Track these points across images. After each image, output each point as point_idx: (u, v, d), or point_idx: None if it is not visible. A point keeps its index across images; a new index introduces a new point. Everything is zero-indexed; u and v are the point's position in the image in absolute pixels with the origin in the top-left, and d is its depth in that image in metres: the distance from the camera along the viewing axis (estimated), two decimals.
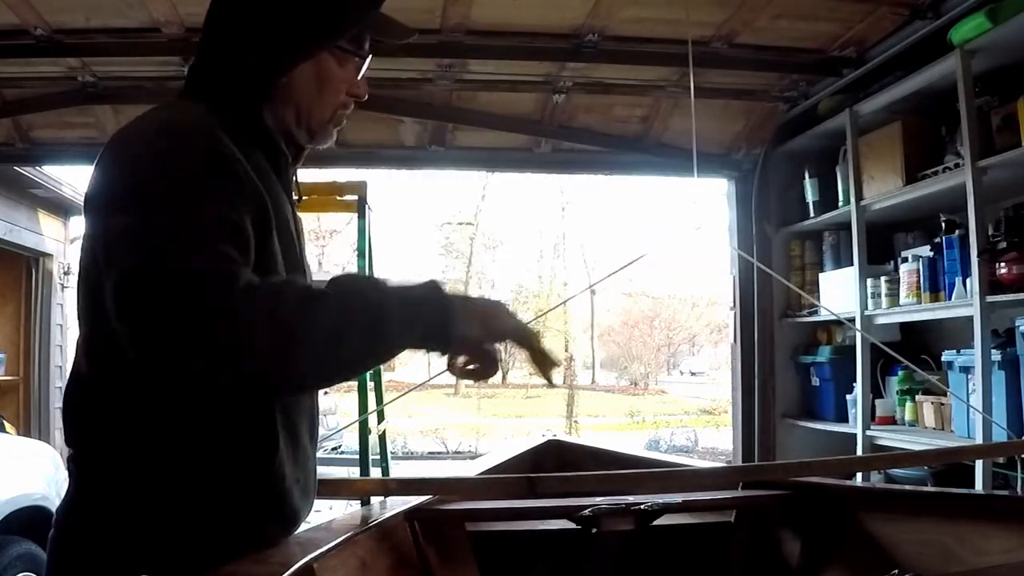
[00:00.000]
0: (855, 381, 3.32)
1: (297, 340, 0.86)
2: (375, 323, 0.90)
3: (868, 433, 3.24)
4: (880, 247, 3.42)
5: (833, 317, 3.33)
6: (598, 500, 1.69)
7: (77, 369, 1.04)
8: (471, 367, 1.00)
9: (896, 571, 1.55)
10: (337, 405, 11.06)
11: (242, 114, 1.09)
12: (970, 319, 2.65)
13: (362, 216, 4.07)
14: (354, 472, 3.85)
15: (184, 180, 0.93)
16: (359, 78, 1.18)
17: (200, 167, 0.95)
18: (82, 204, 1.02)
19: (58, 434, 5.26)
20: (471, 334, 0.96)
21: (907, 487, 2.48)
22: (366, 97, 1.19)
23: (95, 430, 1.02)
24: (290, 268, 1.06)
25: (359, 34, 1.16)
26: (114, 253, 0.91)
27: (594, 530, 1.67)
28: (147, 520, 0.98)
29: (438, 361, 1.01)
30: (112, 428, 1.00)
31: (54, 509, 1.09)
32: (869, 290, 3.26)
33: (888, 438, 3.17)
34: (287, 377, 0.89)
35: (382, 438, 4.28)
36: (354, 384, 4.01)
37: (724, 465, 4.26)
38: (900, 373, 3.31)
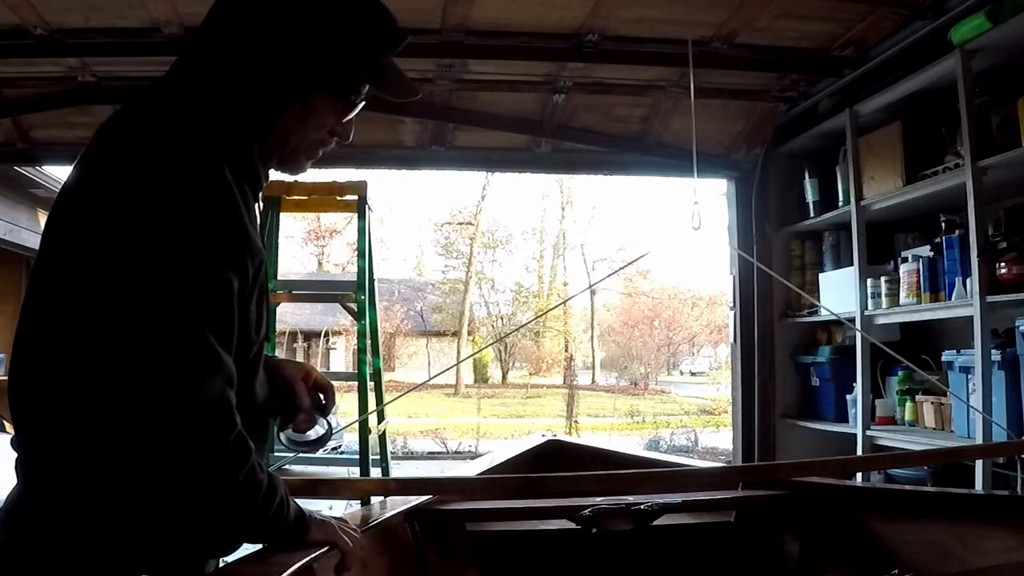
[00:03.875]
0: (855, 381, 3.32)
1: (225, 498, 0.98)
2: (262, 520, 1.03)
3: (868, 433, 3.24)
4: (880, 247, 3.42)
5: (833, 317, 3.33)
6: (598, 500, 1.69)
7: (35, 364, 0.99)
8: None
9: (896, 571, 1.55)
10: (337, 405, 11.00)
11: (246, 151, 1.08)
12: (970, 319, 2.65)
13: (362, 216, 4.08)
14: (354, 472, 3.85)
15: (218, 256, 0.98)
16: (347, 120, 1.16)
17: (232, 239, 0.99)
18: (85, 192, 1.00)
19: None
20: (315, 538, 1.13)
21: (907, 487, 2.48)
22: (349, 139, 1.18)
23: (56, 430, 0.98)
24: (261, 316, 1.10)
25: (356, 80, 1.14)
26: (136, 315, 0.93)
27: (594, 530, 1.67)
28: (101, 525, 0.96)
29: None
30: (74, 430, 0.96)
31: None
32: (869, 290, 3.26)
33: (888, 438, 3.17)
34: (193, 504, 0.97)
35: (382, 438, 4.29)
36: (354, 384, 4.01)
37: (724, 465, 4.27)
38: (900, 373, 3.31)
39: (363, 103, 1.16)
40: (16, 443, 1.02)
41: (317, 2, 1.09)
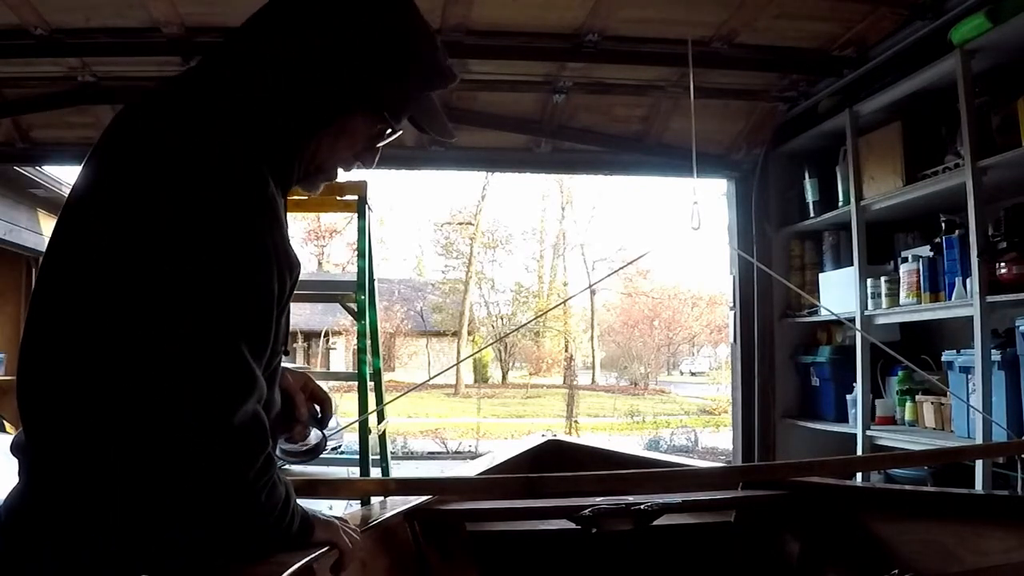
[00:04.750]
0: (855, 381, 3.32)
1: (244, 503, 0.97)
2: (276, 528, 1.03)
3: (868, 433, 3.24)
4: (880, 247, 3.42)
5: (833, 317, 3.33)
6: (598, 500, 1.69)
7: (51, 368, 0.96)
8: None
9: (896, 571, 1.55)
10: (337, 405, 11.04)
11: (286, 160, 1.07)
12: (970, 319, 2.65)
13: (362, 216, 4.08)
14: (354, 472, 3.85)
15: (262, 266, 0.96)
16: (377, 146, 1.15)
17: (276, 250, 0.97)
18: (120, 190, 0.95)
19: None
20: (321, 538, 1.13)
21: (907, 487, 2.48)
22: (372, 167, 1.18)
23: (73, 435, 0.95)
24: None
25: (402, 109, 1.13)
26: (172, 324, 0.90)
27: (594, 530, 1.67)
28: (108, 527, 0.95)
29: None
30: (93, 435, 0.94)
31: None
32: (869, 290, 3.26)
33: (888, 438, 3.17)
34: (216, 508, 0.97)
35: (382, 438, 4.29)
36: (354, 384, 4.01)
37: (724, 465, 4.26)
38: (900, 373, 3.31)
39: (398, 134, 1.15)
40: (26, 445, 1.00)
41: (388, 23, 1.08)
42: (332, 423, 1.30)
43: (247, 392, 0.94)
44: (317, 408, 1.28)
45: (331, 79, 1.05)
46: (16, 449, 1.01)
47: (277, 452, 1.26)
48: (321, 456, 1.30)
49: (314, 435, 1.28)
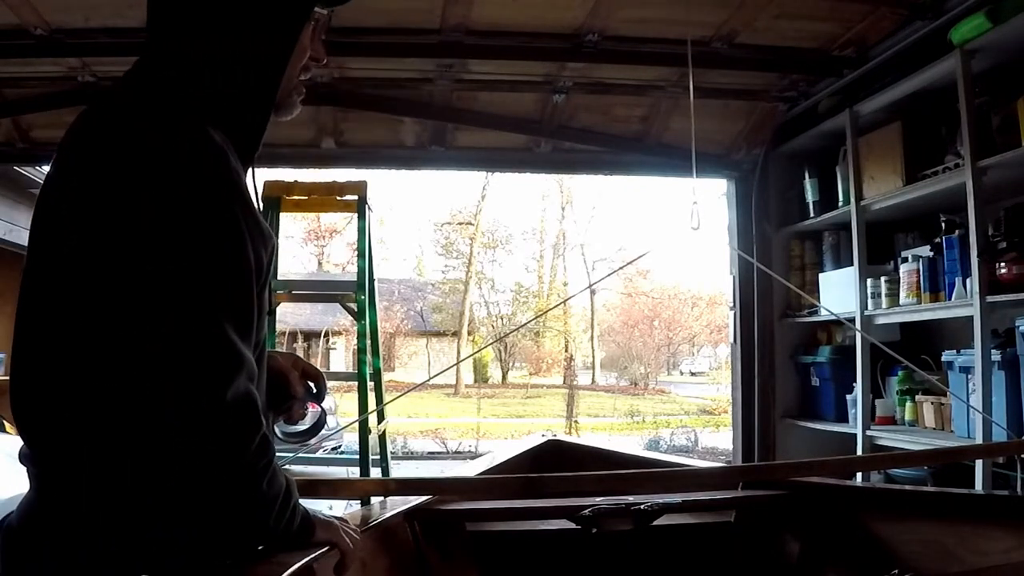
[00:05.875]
0: (855, 381, 3.32)
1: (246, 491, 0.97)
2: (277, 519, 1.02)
3: (868, 433, 3.24)
4: (880, 247, 3.42)
5: (833, 317, 3.33)
6: (598, 500, 1.69)
7: (42, 369, 0.97)
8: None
9: (896, 571, 1.55)
10: (337, 405, 11.04)
11: (252, 132, 1.08)
12: (970, 319, 2.65)
13: (362, 216, 4.08)
14: (354, 472, 3.85)
15: (236, 244, 0.96)
16: (321, 38, 1.15)
17: (247, 225, 0.98)
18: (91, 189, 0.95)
19: None
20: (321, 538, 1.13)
21: (907, 487, 2.48)
22: (325, 60, 1.18)
23: (67, 435, 0.95)
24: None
25: None
26: (155, 311, 0.91)
27: (594, 530, 1.67)
28: (107, 526, 0.95)
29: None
30: (87, 434, 0.94)
31: None
32: (869, 290, 3.26)
33: (888, 438, 3.17)
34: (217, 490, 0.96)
35: (382, 438, 4.29)
36: (354, 384, 4.02)
37: (724, 465, 4.26)
38: (900, 373, 3.31)
39: (328, 13, 1.15)
40: (26, 451, 1.00)
41: None
42: (332, 422, 1.30)
43: (235, 370, 0.93)
44: (311, 385, 1.28)
45: (264, 34, 1.06)
46: (23, 458, 1.01)
47: (279, 435, 1.26)
48: (322, 455, 1.31)
49: (312, 413, 1.28)
